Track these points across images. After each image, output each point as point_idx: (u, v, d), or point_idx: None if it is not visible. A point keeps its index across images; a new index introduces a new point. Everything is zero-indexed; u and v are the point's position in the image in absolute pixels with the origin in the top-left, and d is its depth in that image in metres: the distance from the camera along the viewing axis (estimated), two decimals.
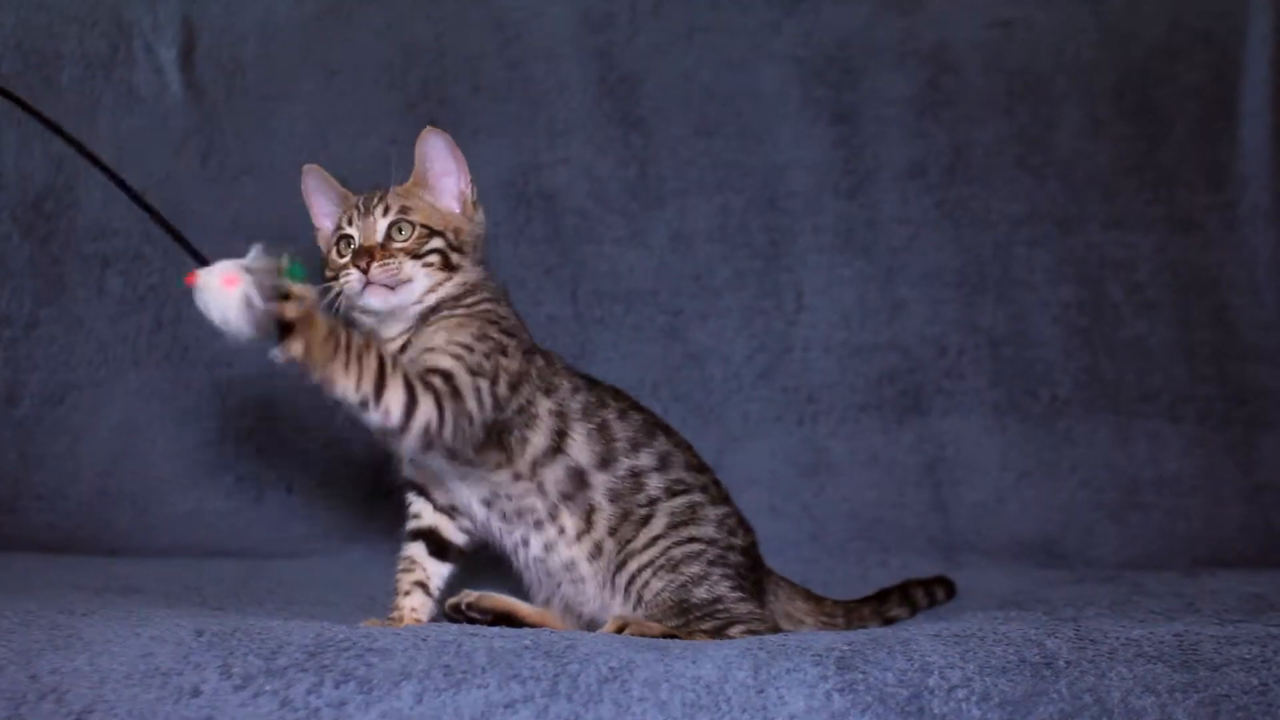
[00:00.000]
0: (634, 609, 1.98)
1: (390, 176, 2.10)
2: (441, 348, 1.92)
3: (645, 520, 2.01)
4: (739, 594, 1.99)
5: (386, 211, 2.03)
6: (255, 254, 1.70)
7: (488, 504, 2.03)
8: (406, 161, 2.11)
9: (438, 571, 2.09)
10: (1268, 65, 3.10)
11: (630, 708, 1.46)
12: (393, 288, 1.99)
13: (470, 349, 1.93)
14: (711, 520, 2.05)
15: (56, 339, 2.93)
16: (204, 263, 1.74)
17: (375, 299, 1.99)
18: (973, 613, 2.08)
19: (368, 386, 1.75)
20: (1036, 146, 3.10)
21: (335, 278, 2.01)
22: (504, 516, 2.04)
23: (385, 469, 2.16)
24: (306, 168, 2.15)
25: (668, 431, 2.13)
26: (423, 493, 2.11)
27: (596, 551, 2.02)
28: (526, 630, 1.80)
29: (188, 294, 2.94)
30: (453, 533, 2.10)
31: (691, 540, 2.00)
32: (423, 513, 2.11)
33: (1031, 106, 3.11)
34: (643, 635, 1.81)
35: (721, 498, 2.12)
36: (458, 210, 2.10)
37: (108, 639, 1.56)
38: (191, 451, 2.92)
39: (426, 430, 1.81)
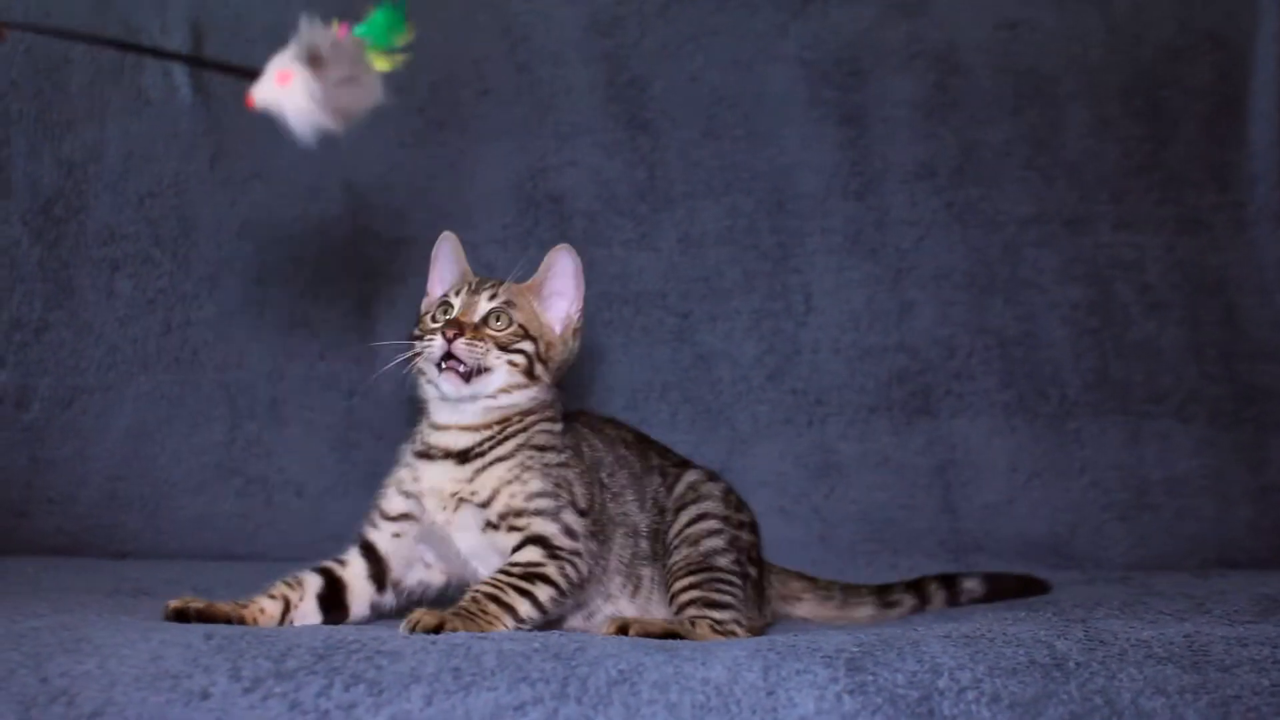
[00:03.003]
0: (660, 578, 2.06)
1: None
2: (525, 508, 1.93)
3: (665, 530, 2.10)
4: (744, 582, 2.06)
5: (493, 298, 1.99)
6: (304, 28, 1.49)
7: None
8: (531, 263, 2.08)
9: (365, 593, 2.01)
10: (1275, 65, 3.10)
11: (640, 710, 1.45)
12: (468, 376, 1.94)
13: (545, 494, 1.94)
14: (716, 496, 2.13)
15: (66, 343, 2.94)
16: (253, 75, 1.50)
17: (449, 384, 1.94)
18: (982, 614, 2.08)
19: (509, 621, 1.82)
20: (1045, 147, 3.09)
21: (421, 338, 1.96)
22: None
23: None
24: (445, 234, 2.11)
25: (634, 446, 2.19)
26: (375, 562, 2.02)
27: (636, 589, 2.07)
28: (535, 633, 1.81)
29: (196, 297, 2.98)
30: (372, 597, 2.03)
31: (704, 517, 2.08)
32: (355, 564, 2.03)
33: (1039, 107, 3.10)
34: (645, 634, 1.81)
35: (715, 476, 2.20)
36: (558, 330, 2.04)
37: (118, 642, 1.56)
38: (201, 455, 2.93)
39: (556, 600, 1.88)
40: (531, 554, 1.89)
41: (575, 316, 2.05)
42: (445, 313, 1.99)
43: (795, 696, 1.47)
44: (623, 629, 1.85)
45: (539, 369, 1.98)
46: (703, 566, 2.03)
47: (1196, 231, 3.07)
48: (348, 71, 1.53)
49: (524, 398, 1.98)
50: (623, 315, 3.02)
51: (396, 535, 2.00)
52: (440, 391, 1.95)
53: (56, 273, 2.96)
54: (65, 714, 1.41)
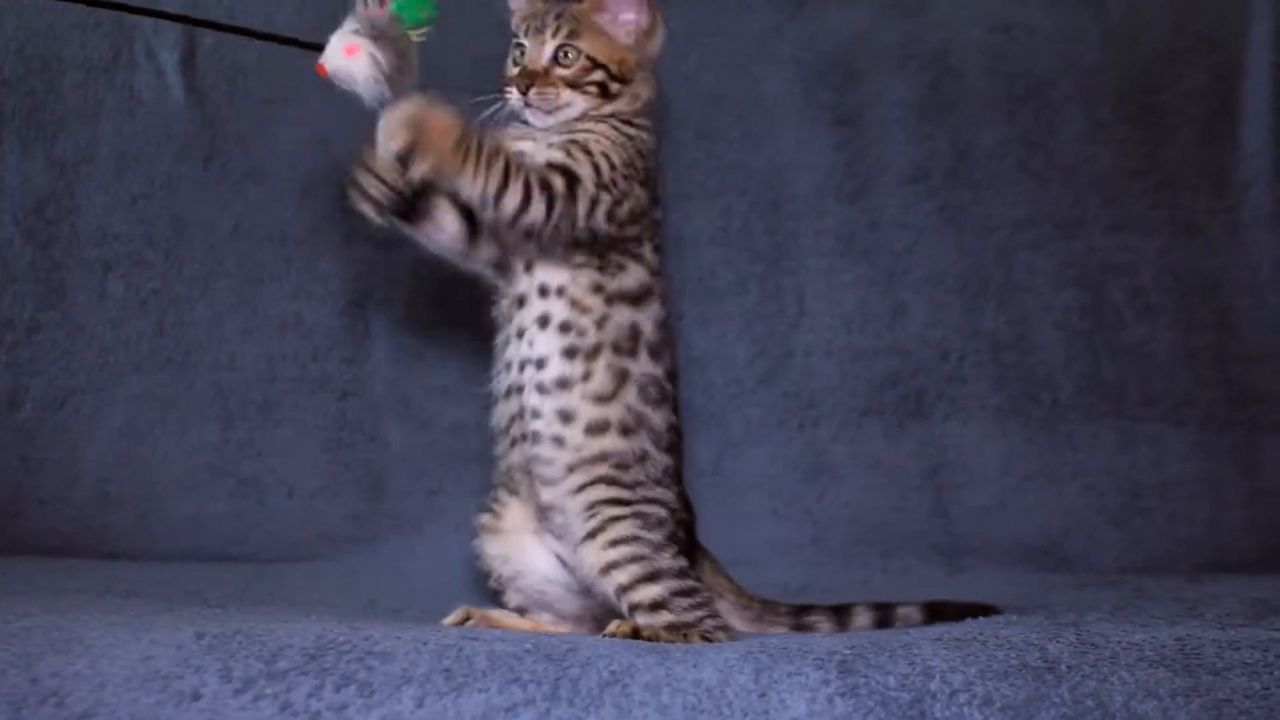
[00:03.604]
0: (589, 536, 1.93)
1: None
2: (587, 156, 2.00)
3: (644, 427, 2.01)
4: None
5: (556, 33, 2.09)
6: (357, 11, 1.80)
7: (543, 293, 2.02)
8: None
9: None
10: (1269, 68, 3.10)
11: (631, 712, 1.45)
12: (549, 111, 2.06)
13: (613, 165, 2.01)
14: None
15: (58, 344, 2.93)
16: (319, 49, 1.81)
17: (534, 118, 2.07)
18: (974, 617, 2.08)
19: (491, 189, 1.88)
20: (1038, 150, 3.09)
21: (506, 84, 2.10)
22: (543, 322, 2.01)
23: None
24: None
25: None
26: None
27: (595, 423, 1.98)
28: (527, 633, 1.80)
29: (190, 298, 2.97)
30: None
31: (658, 502, 1.97)
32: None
33: (1034, 110, 3.10)
34: (655, 639, 1.81)
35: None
36: (628, 41, 2.14)
37: (108, 642, 1.55)
38: (192, 456, 2.92)
39: (530, 230, 1.94)
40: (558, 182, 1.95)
41: (644, 25, 2.16)
42: (521, 54, 2.12)
43: (787, 699, 1.47)
44: (634, 633, 1.85)
45: (615, 87, 2.10)
46: (648, 565, 1.91)
47: (1190, 234, 3.07)
48: (399, 47, 1.84)
49: (608, 111, 2.10)
50: None
51: None
52: (530, 125, 2.08)
53: (48, 273, 2.95)
54: (55, 714, 1.41)
